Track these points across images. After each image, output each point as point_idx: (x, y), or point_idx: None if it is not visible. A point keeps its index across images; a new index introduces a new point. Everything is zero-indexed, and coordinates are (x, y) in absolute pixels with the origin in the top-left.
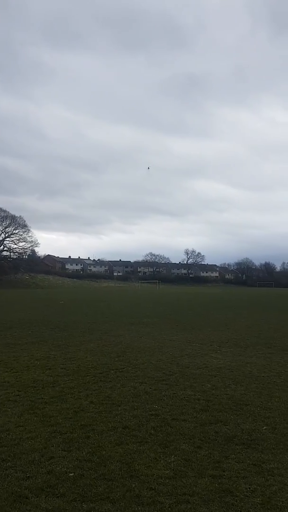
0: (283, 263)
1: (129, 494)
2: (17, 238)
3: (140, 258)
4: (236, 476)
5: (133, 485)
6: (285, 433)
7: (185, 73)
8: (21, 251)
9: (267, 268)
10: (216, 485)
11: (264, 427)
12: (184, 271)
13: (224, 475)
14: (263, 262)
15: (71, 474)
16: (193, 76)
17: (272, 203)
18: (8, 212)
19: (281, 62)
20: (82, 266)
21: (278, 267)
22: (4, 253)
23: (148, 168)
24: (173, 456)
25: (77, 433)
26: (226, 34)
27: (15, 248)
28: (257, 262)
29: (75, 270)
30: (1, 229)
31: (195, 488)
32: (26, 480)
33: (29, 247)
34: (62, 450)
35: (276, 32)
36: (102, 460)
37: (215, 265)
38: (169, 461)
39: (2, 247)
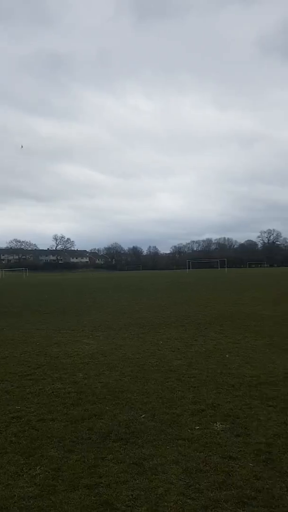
0: (149, 246)
1: None
2: None
3: (3, 245)
4: (115, 481)
5: None
6: (165, 420)
7: (48, 51)
8: None
9: (135, 252)
10: (93, 497)
11: (143, 415)
12: (53, 258)
13: (101, 482)
14: (131, 246)
15: None
16: (57, 54)
17: (138, 189)
18: None
19: (143, 50)
20: None
21: (145, 251)
22: None
23: (22, 146)
24: (39, 467)
25: None
26: (91, 15)
27: None
28: (125, 247)
29: None
30: None
31: (66, 506)
32: None
33: None
34: None
35: (139, 19)
36: None
37: (85, 250)
38: (34, 474)
39: None
